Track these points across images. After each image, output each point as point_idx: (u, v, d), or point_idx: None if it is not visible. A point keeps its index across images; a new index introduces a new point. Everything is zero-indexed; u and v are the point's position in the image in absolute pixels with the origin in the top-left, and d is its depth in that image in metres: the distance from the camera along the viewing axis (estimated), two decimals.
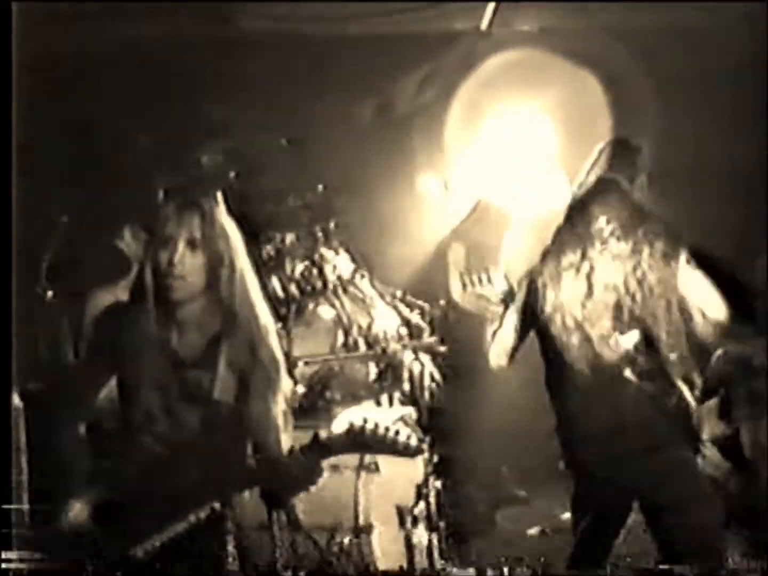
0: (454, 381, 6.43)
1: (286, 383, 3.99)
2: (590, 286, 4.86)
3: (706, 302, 4.81)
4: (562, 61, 7.35)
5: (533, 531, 7.19)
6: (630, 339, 4.76)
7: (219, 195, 5.68)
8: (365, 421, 3.71)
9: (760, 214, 7.15)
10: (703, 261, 4.90)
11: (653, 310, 4.79)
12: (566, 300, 4.90)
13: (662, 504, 4.89)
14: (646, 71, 7.33)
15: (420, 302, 6.16)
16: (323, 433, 3.77)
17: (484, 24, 7.38)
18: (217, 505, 3.80)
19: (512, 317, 5.06)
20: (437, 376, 6.04)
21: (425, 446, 4.09)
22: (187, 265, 3.76)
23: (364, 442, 3.74)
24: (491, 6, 7.09)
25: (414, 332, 5.91)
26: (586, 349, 4.86)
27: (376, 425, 3.70)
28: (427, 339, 5.88)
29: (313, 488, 3.89)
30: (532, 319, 5.02)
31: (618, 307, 4.82)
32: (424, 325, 5.97)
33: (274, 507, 4.67)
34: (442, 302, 6.20)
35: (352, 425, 3.70)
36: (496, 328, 5.09)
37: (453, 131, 7.60)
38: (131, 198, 6.13)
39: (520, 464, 7.77)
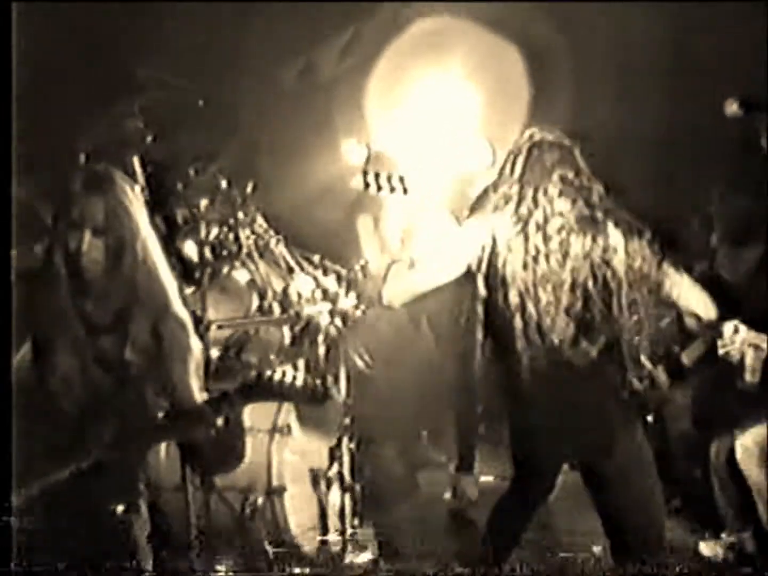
0: (372, 345, 6.47)
1: (195, 344, 4.11)
2: (543, 256, 4.79)
3: (698, 307, 4.96)
4: (483, 29, 7.42)
5: (449, 495, 7.26)
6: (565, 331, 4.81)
7: (136, 161, 5.71)
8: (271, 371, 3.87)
9: (689, 187, 7.29)
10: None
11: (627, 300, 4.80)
12: (517, 266, 4.79)
13: (603, 473, 4.89)
14: (566, 43, 7.43)
15: (336, 267, 6.17)
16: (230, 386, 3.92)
17: None
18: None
19: (442, 266, 4.89)
20: (355, 340, 6.07)
21: (333, 393, 4.14)
22: (93, 251, 3.97)
23: (268, 390, 3.89)
24: None
25: (329, 296, 5.91)
26: (544, 347, 4.78)
27: (283, 373, 3.86)
28: (343, 303, 5.89)
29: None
30: (475, 277, 4.89)
31: (575, 287, 4.83)
32: (339, 289, 5.97)
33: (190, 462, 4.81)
34: (357, 267, 6.21)
35: (259, 375, 3.86)
36: (405, 266, 4.90)
37: (375, 96, 7.63)
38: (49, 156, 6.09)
39: (439, 428, 7.83)
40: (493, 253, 4.82)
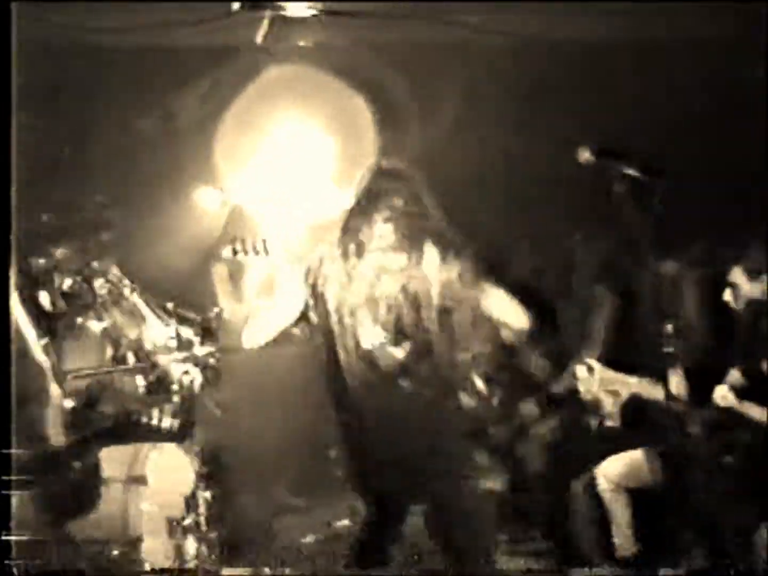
0: (228, 393, 6.47)
1: (53, 391, 4.14)
2: (358, 272, 5.05)
3: (509, 316, 5.06)
4: (333, 77, 7.52)
5: (309, 539, 7.27)
6: (375, 336, 4.92)
7: None
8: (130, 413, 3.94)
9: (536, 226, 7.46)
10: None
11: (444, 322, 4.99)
12: (336, 285, 5.06)
13: (441, 505, 5.06)
14: (413, 88, 7.57)
15: (191, 315, 6.16)
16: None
17: (258, 38, 7.45)
18: None
19: (286, 304, 5.15)
20: (209, 388, 6.05)
21: (190, 435, 4.19)
22: None
23: (128, 431, 3.94)
24: (266, 20, 7.17)
25: (184, 344, 5.91)
26: (358, 353, 5.02)
27: (140, 417, 3.92)
28: (197, 351, 5.90)
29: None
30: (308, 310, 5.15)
31: (394, 313, 4.98)
32: (194, 337, 5.97)
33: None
34: (212, 315, 6.23)
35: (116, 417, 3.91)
36: (260, 310, 5.22)
37: (229, 144, 7.65)
38: None
39: (298, 473, 7.84)
40: (318, 278, 5.01)
